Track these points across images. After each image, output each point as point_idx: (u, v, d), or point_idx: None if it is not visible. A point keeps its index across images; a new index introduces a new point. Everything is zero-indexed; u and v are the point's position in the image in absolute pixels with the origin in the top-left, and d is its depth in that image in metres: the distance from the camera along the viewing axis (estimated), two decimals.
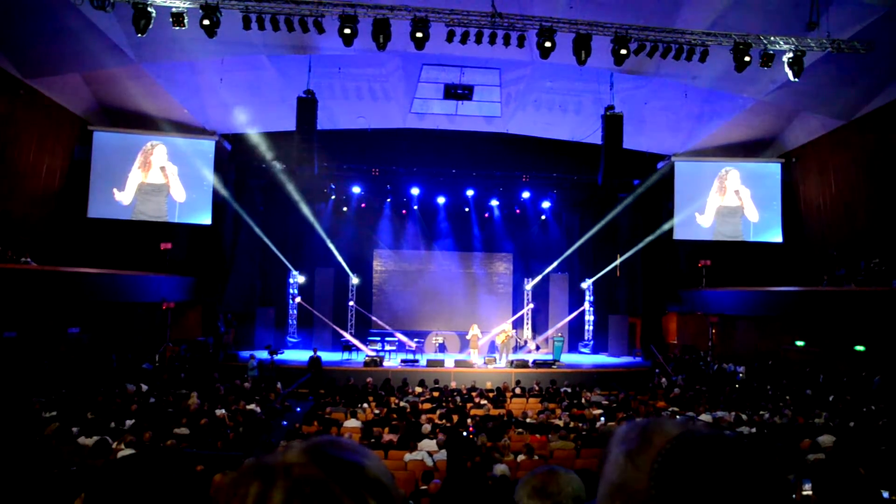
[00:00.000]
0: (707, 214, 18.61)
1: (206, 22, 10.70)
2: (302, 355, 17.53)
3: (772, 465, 0.76)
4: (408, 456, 8.10)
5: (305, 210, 19.58)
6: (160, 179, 17.36)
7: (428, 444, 8.60)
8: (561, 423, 10.44)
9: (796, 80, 11.97)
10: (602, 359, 19.97)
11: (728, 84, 14.24)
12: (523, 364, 17.34)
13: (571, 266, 21.69)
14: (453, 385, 14.66)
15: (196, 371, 15.48)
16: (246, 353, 17.10)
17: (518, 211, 21.85)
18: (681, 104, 15.80)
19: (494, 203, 21.49)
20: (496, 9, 11.09)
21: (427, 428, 9.40)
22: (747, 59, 11.62)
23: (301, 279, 20.27)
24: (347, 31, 10.91)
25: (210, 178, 17.59)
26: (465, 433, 9.14)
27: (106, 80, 15.02)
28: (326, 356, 17.31)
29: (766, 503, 0.72)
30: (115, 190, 16.87)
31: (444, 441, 8.55)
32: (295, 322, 20.38)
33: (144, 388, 12.48)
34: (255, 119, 16.91)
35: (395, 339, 19.48)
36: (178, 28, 10.88)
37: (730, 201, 18.55)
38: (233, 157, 18.78)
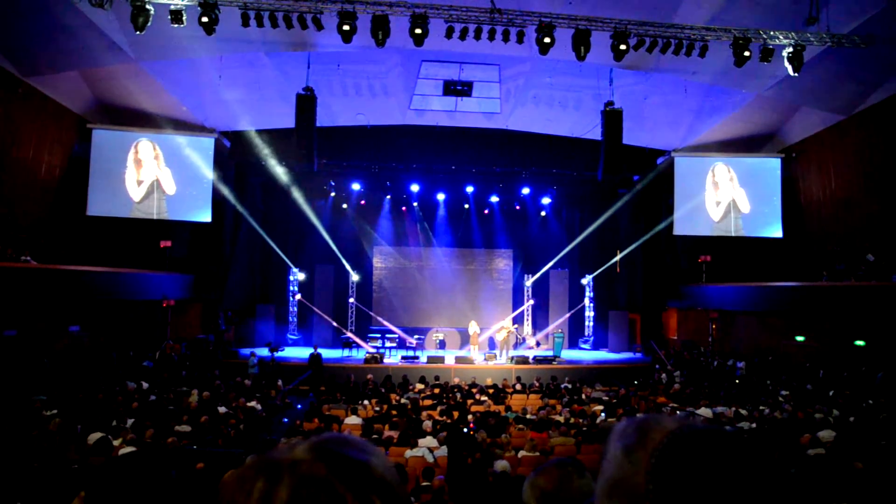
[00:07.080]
0: (709, 210, 18.59)
1: (204, 19, 10.70)
2: (302, 352, 17.54)
3: (769, 460, 0.76)
4: (408, 452, 8.11)
5: (305, 207, 19.58)
6: (153, 176, 17.31)
7: (429, 441, 8.61)
8: (561, 419, 10.46)
9: (796, 74, 11.98)
10: (602, 355, 19.97)
11: (728, 79, 14.22)
12: (524, 360, 17.36)
13: (571, 262, 21.68)
14: (454, 381, 14.67)
15: (197, 368, 15.50)
16: (246, 351, 17.12)
17: (518, 207, 21.81)
18: (680, 99, 15.74)
19: (494, 199, 21.45)
20: (495, 5, 11.07)
21: (427, 425, 9.41)
22: (747, 53, 11.60)
23: (301, 276, 20.27)
24: (346, 27, 10.89)
25: (210, 175, 17.57)
26: (465, 429, 9.15)
27: (105, 78, 14.99)
28: (327, 353, 17.33)
29: (762, 498, 0.72)
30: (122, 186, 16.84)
31: (444, 437, 8.56)
32: (295, 319, 20.38)
33: (145, 385, 12.51)
34: (254, 116, 16.88)
35: (396, 335, 19.47)
36: (176, 26, 10.86)
37: (730, 196, 18.52)
38: (232, 154, 18.75)
